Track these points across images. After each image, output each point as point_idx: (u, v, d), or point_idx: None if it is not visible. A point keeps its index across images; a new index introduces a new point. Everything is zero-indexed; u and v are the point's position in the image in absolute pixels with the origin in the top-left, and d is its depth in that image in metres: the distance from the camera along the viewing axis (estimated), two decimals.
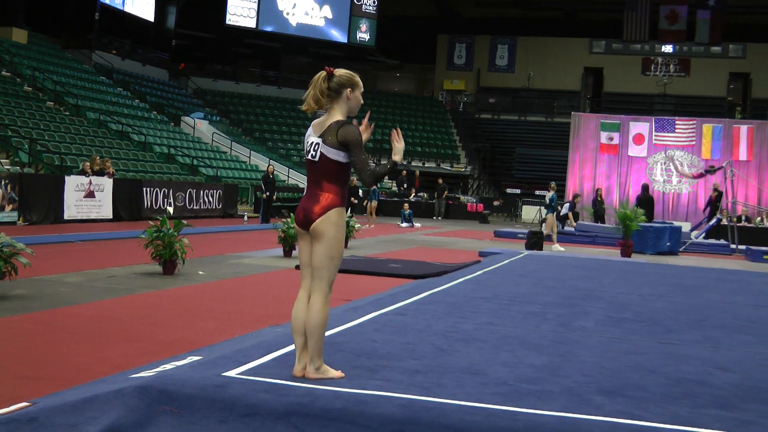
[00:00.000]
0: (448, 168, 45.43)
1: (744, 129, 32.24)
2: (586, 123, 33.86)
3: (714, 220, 25.67)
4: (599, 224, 25.37)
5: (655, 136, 32.42)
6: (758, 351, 6.82)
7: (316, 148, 4.77)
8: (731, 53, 51.38)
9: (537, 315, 8.16)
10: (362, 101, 4.94)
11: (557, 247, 20.64)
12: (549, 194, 21.75)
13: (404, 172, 40.62)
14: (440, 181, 37.91)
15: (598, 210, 26.78)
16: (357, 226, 17.94)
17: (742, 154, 31.74)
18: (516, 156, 47.58)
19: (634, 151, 32.67)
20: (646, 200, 26.75)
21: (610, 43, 52.72)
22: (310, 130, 4.87)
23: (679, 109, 47.16)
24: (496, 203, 41.98)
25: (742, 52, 51.23)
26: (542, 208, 36.25)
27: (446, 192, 37.32)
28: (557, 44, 53.00)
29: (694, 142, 32.11)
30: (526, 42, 53.76)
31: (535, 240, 19.71)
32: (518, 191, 43.51)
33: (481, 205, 38.92)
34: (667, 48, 51.82)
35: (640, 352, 6.42)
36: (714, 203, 26.20)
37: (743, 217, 29.51)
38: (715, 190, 26.72)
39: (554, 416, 4.22)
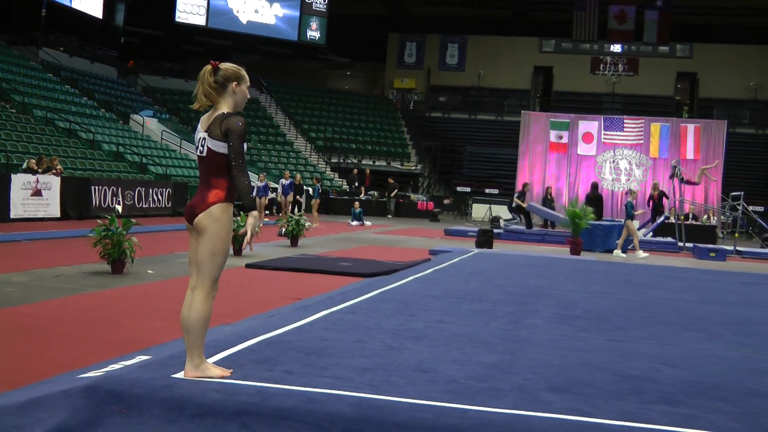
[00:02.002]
0: (399, 166, 45.44)
1: (691, 128, 32.72)
2: (535, 121, 34.10)
3: (662, 218, 25.92)
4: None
5: (604, 134, 32.77)
6: (704, 347, 6.92)
7: (203, 143, 4.73)
8: (679, 53, 51.98)
9: (487, 313, 8.19)
10: (249, 96, 4.94)
11: (641, 254, 19.55)
12: (628, 199, 21.08)
13: (355, 170, 40.58)
14: (390, 180, 37.93)
15: (548, 207, 26.97)
16: (308, 224, 17.96)
17: (690, 153, 32.21)
18: (466, 154, 47.71)
19: (584, 149, 32.98)
20: (595, 198, 26.98)
21: (560, 43, 53.07)
22: (198, 126, 4.83)
23: (628, 108, 47.60)
24: (446, 201, 42.09)
25: (689, 52, 51.84)
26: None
27: (396, 190, 37.40)
28: (507, 43, 53.24)
29: (642, 141, 32.55)
30: (477, 41, 53.93)
31: (485, 238, 19.74)
32: (468, 189, 43.60)
33: (432, 203, 39.06)
34: (616, 47, 52.30)
35: (588, 349, 6.48)
36: (657, 201, 26.41)
37: (690, 215, 29.89)
38: (655, 188, 26.97)
39: (504, 413, 4.24)
